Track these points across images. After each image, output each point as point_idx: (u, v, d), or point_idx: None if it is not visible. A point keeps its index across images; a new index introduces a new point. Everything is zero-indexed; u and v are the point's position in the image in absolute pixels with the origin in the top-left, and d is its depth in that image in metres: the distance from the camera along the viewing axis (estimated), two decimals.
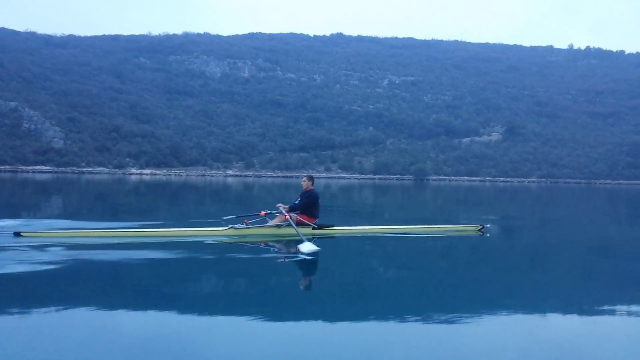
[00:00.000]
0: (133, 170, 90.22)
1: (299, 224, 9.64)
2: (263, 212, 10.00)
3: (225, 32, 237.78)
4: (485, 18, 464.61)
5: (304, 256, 7.84)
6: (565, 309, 5.49)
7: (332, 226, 10.22)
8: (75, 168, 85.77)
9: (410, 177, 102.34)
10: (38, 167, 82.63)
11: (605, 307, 5.62)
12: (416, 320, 4.82)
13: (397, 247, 9.80)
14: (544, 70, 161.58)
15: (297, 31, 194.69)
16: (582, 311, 5.48)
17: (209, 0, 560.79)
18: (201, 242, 8.99)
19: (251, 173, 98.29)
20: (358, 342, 4.21)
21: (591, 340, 4.57)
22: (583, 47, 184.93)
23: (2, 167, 77.59)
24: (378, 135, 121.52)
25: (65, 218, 12.59)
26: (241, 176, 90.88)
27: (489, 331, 4.61)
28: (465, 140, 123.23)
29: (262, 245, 9.24)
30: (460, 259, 8.59)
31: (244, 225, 9.64)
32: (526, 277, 7.25)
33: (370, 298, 5.65)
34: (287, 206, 9.98)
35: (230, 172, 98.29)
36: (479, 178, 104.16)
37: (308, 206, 10.06)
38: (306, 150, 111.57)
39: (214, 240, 9.17)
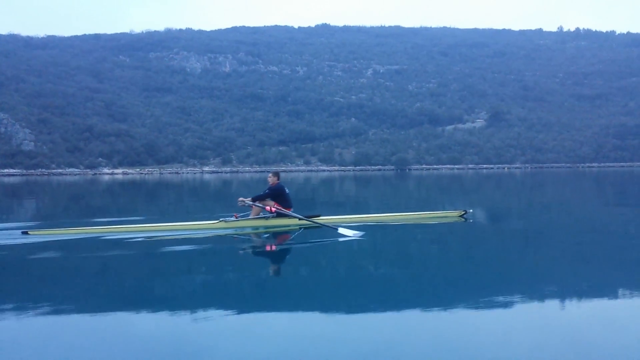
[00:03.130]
0: (105, 170, 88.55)
1: (281, 214, 10.04)
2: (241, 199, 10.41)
3: (208, 27, 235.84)
4: (476, 3, 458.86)
5: (350, 237, 8.46)
6: (566, 294, 5.22)
7: (319, 216, 10.29)
8: (44, 170, 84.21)
9: (392, 167, 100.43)
10: (5, 170, 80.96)
11: (606, 289, 5.48)
12: (413, 312, 4.74)
13: (383, 235, 9.59)
14: (531, 54, 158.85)
15: (282, 23, 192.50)
16: (582, 294, 5.28)
17: None
18: (194, 236, 9.12)
19: (228, 169, 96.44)
20: (354, 335, 4.08)
21: (595, 324, 4.47)
22: (573, 29, 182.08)
23: None
24: (360, 126, 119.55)
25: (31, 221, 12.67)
26: (218, 172, 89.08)
27: (489, 320, 4.51)
28: (448, 128, 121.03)
29: (253, 236, 9.61)
30: (449, 247, 8.39)
31: (233, 219, 9.91)
32: (521, 262, 7.02)
33: (361, 290, 5.51)
34: (248, 198, 10.27)
35: (206, 168, 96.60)
36: (461, 166, 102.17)
37: (274, 197, 10.27)
38: (286, 143, 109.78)
39: (205, 234, 9.33)
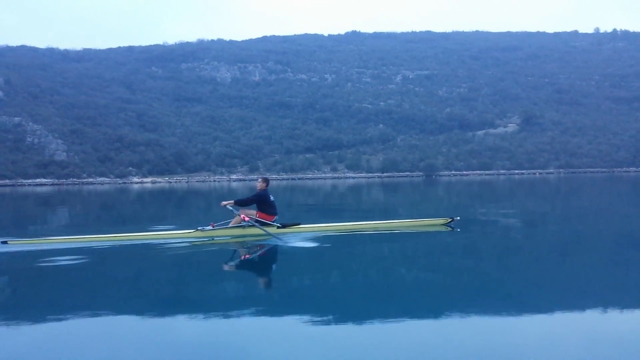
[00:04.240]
0: (134, 179, 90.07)
1: (261, 223, 10.02)
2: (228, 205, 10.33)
3: (239, 37, 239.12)
4: (510, 6, 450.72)
5: (274, 239, 8.73)
6: (585, 309, 5.02)
7: (299, 224, 10.40)
8: (75, 179, 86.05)
9: (420, 173, 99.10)
10: (38, 180, 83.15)
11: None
12: (405, 319, 4.66)
13: (375, 244, 9.49)
14: (566, 57, 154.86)
15: (312, 32, 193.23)
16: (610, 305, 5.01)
17: (226, 6, 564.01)
18: (170, 244, 9.22)
19: (255, 176, 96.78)
20: (340, 342, 4.08)
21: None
22: (609, 30, 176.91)
23: (2, 182, 78.36)
24: (388, 133, 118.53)
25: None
26: (245, 180, 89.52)
27: (483, 330, 4.39)
28: (479, 133, 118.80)
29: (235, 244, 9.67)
30: (442, 256, 8.09)
31: (210, 227, 9.94)
32: (553, 272, 6.73)
33: (341, 297, 5.49)
34: (231, 201, 10.25)
35: (234, 176, 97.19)
36: (491, 172, 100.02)
37: (256, 203, 10.31)
38: (313, 151, 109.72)
39: (181, 243, 9.37)
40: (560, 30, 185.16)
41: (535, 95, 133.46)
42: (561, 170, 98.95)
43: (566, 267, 7.11)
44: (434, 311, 4.87)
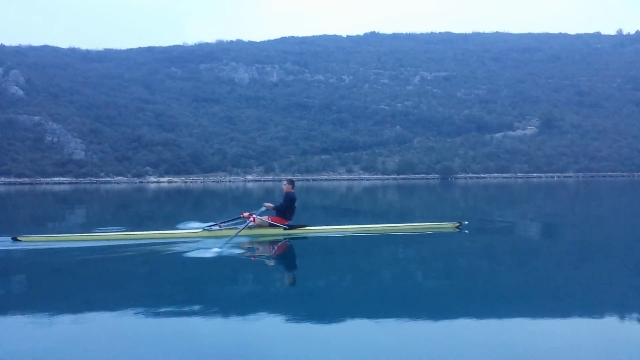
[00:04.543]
0: (151, 179, 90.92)
1: (271, 225, 10.12)
2: (246, 214, 10.26)
3: (258, 38, 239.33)
4: (532, 7, 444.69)
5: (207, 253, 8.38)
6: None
7: (305, 226, 10.44)
8: (93, 178, 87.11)
9: (436, 176, 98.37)
10: (56, 178, 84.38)
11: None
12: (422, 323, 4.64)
13: (387, 245, 9.52)
14: (587, 58, 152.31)
15: (331, 33, 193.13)
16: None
17: (246, 7, 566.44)
18: (178, 243, 9.26)
19: (270, 177, 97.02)
20: (342, 344, 4.06)
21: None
22: (632, 32, 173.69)
23: (21, 180, 79.70)
24: (404, 134, 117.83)
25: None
26: (260, 181, 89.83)
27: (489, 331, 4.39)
28: (497, 135, 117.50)
29: (241, 246, 9.62)
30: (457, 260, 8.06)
31: (217, 228, 9.99)
32: (569, 277, 6.68)
33: (352, 298, 5.48)
34: (272, 204, 10.33)
35: (249, 177, 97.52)
36: (509, 175, 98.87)
37: (287, 207, 10.41)
38: (328, 152, 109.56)
39: (188, 243, 9.40)
40: (582, 32, 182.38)
41: (555, 97, 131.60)
42: (580, 174, 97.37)
43: (583, 272, 7.06)
44: (447, 313, 4.89)
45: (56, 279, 6.64)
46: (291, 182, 10.82)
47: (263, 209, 10.28)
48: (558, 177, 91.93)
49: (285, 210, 10.35)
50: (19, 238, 9.19)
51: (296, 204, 10.54)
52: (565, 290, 5.87)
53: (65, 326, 4.59)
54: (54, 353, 3.94)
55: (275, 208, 10.31)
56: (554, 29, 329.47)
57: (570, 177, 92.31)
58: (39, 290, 6.09)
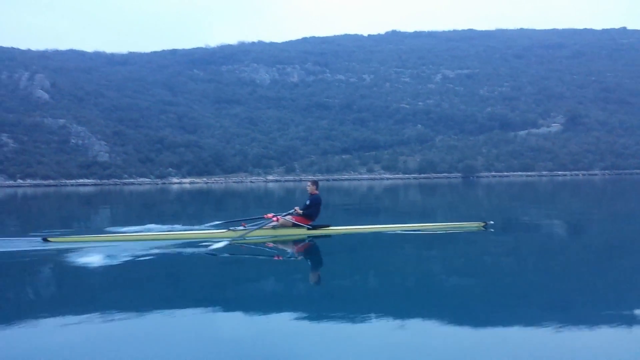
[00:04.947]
0: (174, 180, 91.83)
1: (295, 226, 10.14)
2: (270, 215, 10.34)
3: (280, 38, 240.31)
4: (557, 2, 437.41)
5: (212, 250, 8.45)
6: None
7: (328, 226, 10.40)
8: (117, 180, 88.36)
9: (458, 175, 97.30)
10: (81, 180, 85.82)
11: None
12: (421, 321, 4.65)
13: (413, 244, 9.47)
14: (613, 54, 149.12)
15: (352, 32, 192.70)
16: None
17: (268, 8, 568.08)
18: (202, 243, 9.29)
19: (291, 178, 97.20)
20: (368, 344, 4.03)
21: None
22: None
23: (46, 182, 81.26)
24: (426, 133, 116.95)
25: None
26: (281, 181, 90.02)
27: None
28: (521, 133, 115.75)
29: (266, 245, 9.60)
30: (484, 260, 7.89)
31: (241, 227, 10.00)
32: (597, 278, 6.47)
33: (376, 298, 5.48)
34: (298, 209, 10.39)
35: (270, 177, 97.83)
36: (533, 173, 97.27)
37: (314, 209, 10.48)
38: (349, 152, 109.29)
39: (213, 242, 9.40)
40: (609, 27, 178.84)
41: (580, 94, 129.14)
42: (606, 171, 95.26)
43: (616, 274, 6.80)
44: (473, 315, 4.80)
45: (83, 278, 6.80)
46: (315, 183, 10.86)
47: (292, 211, 10.31)
48: (583, 175, 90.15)
49: (312, 212, 10.41)
50: (48, 239, 9.43)
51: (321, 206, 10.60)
52: (597, 293, 5.70)
53: (91, 325, 4.68)
54: (79, 351, 4.03)
55: (303, 208, 10.38)
56: (579, 25, 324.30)
57: (596, 174, 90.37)
58: (67, 290, 6.25)
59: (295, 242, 9.69)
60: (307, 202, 10.48)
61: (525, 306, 5.11)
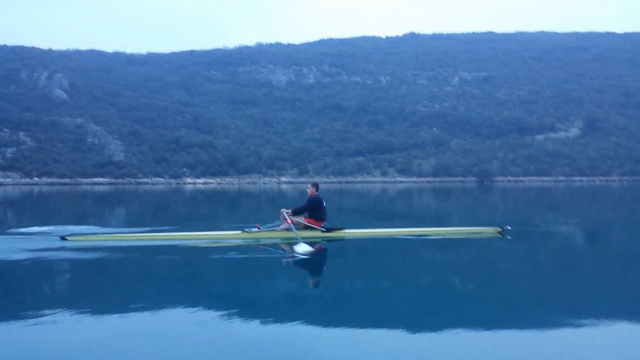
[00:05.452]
0: (188, 180, 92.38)
1: (307, 227, 10.14)
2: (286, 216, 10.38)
3: (297, 40, 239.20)
4: (578, 5, 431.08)
5: (300, 256, 8.20)
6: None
7: (342, 229, 10.34)
8: (132, 179, 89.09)
9: (473, 178, 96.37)
10: (96, 179, 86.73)
11: None
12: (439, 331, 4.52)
13: (425, 250, 9.34)
14: (635, 58, 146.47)
15: (370, 34, 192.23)
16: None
17: (287, 10, 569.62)
18: (217, 245, 9.48)
19: (304, 179, 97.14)
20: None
21: None
22: None
23: (62, 181, 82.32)
24: (441, 136, 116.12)
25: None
26: (294, 183, 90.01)
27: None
28: (539, 137, 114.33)
29: (276, 247, 9.60)
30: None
31: (256, 229, 10.05)
32: (616, 285, 6.39)
33: (389, 303, 5.46)
34: (289, 210, 10.34)
35: (283, 179, 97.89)
36: (549, 178, 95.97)
37: (310, 210, 10.37)
38: (363, 154, 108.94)
39: (228, 244, 9.60)
40: (631, 31, 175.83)
41: (600, 98, 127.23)
42: (625, 177, 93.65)
43: (632, 281, 6.66)
44: (489, 324, 4.72)
45: (99, 277, 6.93)
46: (315, 185, 10.87)
47: (284, 214, 10.21)
48: (600, 180, 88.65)
49: (312, 212, 10.35)
50: (67, 238, 9.60)
51: (325, 205, 10.49)
52: (617, 302, 5.58)
53: (103, 323, 4.76)
54: (95, 349, 4.07)
55: (294, 211, 10.30)
56: (601, 28, 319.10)
57: (614, 181, 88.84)
58: (84, 288, 6.33)
59: (309, 244, 9.57)
60: (305, 204, 10.49)
61: (542, 314, 5.02)
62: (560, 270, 7.36)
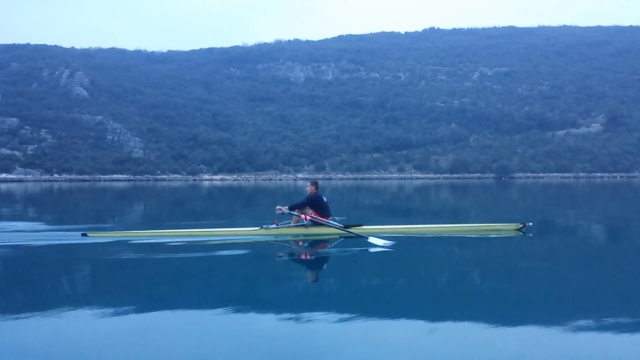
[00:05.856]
0: (205, 177, 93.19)
1: (317, 222, 10.13)
2: (301, 216, 10.36)
3: (316, 36, 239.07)
4: None
5: (380, 248, 8.26)
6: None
7: (361, 225, 10.23)
8: (150, 176, 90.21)
9: (492, 175, 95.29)
10: (115, 175, 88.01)
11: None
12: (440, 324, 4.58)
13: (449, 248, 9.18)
14: None
15: (389, 30, 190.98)
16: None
17: (306, 7, 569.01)
18: (236, 241, 9.58)
19: (321, 176, 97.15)
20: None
21: None
22: None
23: (81, 177, 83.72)
24: (460, 132, 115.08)
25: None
26: (310, 179, 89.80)
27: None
28: (559, 133, 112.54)
29: (293, 243, 9.77)
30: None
31: (274, 226, 10.08)
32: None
33: (408, 301, 5.46)
34: (285, 207, 10.41)
35: (300, 175, 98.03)
36: (570, 174, 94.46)
37: (310, 207, 10.34)
38: (380, 150, 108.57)
39: (246, 240, 9.66)
40: None
41: (623, 93, 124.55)
42: None
43: None
44: (510, 321, 4.67)
45: (118, 273, 7.01)
46: (314, 183, 11.00)
47: (283, 210, 10.31)
48: (622, 177, 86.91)
49: (315, 209, 10.32)
50: (87, 234, 9.71)
51: (326, 200, 10.53)
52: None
53: (126, 319, 4.78)
54: (115, 346, 4.08)
55: (290, 207, 10.36)
56: (625, 22, 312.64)
57: (635, 177, 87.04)
58: (103, 285, 6.39)
59: (326, 241, 9.66)
60: (303, 200, 10.54)
61: (565, 312, 4.97)
62: (584, 268, 7.23)
